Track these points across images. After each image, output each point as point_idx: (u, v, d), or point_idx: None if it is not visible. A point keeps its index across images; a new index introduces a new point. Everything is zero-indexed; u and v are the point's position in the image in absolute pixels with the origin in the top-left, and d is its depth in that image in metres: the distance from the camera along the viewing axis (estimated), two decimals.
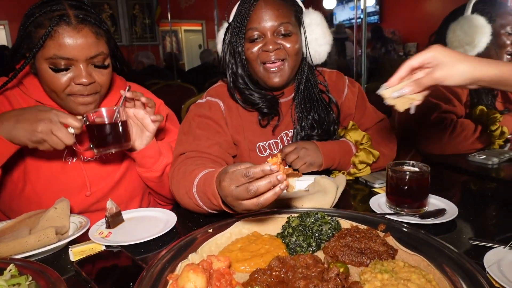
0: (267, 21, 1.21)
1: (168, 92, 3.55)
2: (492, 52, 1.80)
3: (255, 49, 1.23)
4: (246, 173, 0.78)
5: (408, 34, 7.75)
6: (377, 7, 8.77)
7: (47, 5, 1.05)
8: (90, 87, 1.09)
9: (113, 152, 1.10)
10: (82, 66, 1.06)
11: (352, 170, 1.32)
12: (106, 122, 1.06)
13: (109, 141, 1.05)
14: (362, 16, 2.62)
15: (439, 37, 1.92)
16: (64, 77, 1.06)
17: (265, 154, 1.33)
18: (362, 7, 2.70)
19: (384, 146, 1.39)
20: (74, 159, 1.21)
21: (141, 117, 1.18)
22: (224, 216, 0.95)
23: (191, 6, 8.40)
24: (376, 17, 8.82)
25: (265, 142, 1.34)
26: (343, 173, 1.32)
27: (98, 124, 1.05)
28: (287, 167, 0.85)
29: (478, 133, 1.67)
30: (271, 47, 1.20)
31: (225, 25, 1.32)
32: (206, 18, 10.57)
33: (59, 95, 1.09)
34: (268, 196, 0.79)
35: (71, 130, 1.00)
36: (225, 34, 1.30)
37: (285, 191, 0.80)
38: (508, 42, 1.80)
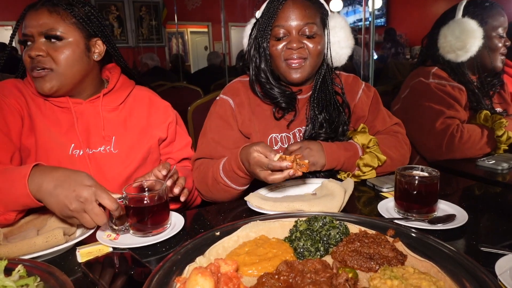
0: (294, 20, 1.26)
1: (174, 94, 3.56)
2: (484, 55, 1.80)
3: (280, 46, 1.29)
4: (268, 165, 1.03)
5: (414, 37, 7.73)
6: (384, 10, 8.75)
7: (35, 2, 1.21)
8: (39, 60, 1.15)
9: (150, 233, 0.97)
10: (36, 40, 1.16)
11: (357, 172, 1.32)
12: (147, 205, 0.96)
13: (148, 225, 0.96)
14: (370, 19, 2.62)
15: (431, 41, 1.92)
16: (26, 53, 1.17)
17: (276, 147, 1.37)
18: (370, 9, 2.70)
19: (394, 151, 1.38)
20: (81, 152, 1.24)
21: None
22: (232, 218, 0.95)
23: (197, 8, 8.46)
24: (382, 19, 8.81)
25: (277, 134, 1.37)
26: (349, 175, 1.32)
27: (138, 207, 0.96)
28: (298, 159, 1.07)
29: (486, 138, 1.66)
30: (295, 45, 1.26)
31: (253, 21, 1.38)
32: (212, 20, 10.62)
33: (28, 71, 1.20)
34: (279, 180, 1.05)
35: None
36: (252, 30, 1.36)
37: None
38: (500, 44, 1.80)
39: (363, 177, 1.32)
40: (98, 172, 1.25)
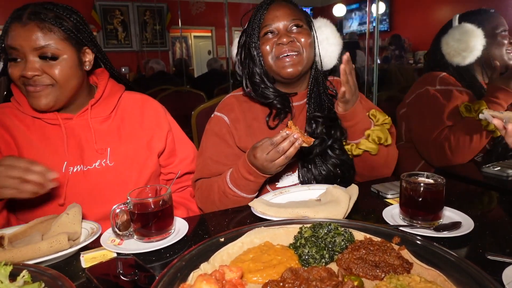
0: (280, 19, 1.30)
1: (178, 98, 3.58)
2: (493, 54, 1.83)
3: (270, 44, 1.31)
4: (271, 142, 1.09)
5: (418, 42, 7.73)
6: (387, 15, 8.76)
7: (14, 10, 1.15)
8: (36, 79, 1.12)
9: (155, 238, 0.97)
10: (29, 59, 1.11)
11: (363, 141, 1.29)
12: (151, 210, 0.95)
13: (152, 230, 0.96)
14: (374, 24, 2.62)
15: (433, 55, 1.97)
16: (17, 69, 1.13)
17: None
18: (374, 15, 2.70)
19: (390, 149, 1.37)
20: (75, 169, 1.21)
21: None
22: (236, 224, 0.95)
23: (201, 13, 8.50)
24: (386, 25, 8.81)
25: None
26: (352, 147, 1.31)
27: (142, 212, 0.95)
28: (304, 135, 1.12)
29: (474, 132, 1.68)
30: (285, 39, 1.27)
31: (242, 32, 1.40)
32: (215, 24, 10.69)
33: (17, 85, 1.17)
34: (291, 151, 1.09)
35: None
36: (240, 37, 1.39)
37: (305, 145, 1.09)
38: (506, 41, 1.83)
39: (362, 147, 1.29)
40: (95, 189, 1.22)
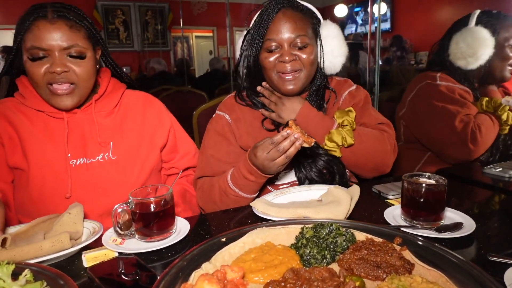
0: (285, 33, 1.27)
1: (179, 98, 3.58)
2: (495, 65, 1.82)
3: (272, 58, 1.29)
4: (272, 141, 1.09)
5: (419, 43, 7.71)
6: (388, 15, 8.75)
7: (34, 8, 1.15)
8: (64, 76, 1.14)
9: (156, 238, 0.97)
10: (56, 55, 1.13)
11: (321, 145, 1.32)
12: (152, 210, 0.95)
13: (153, 230, 0.96)
14: (376, 24, 2.62)
15: (442, 48, 1.94)
16: (41, 66, 1.13)
17: None
18: (376, 15, 2.71)
19: (373, 142, 1.33)
20: (78, 162, 1.23)
21: None
22: (237, 224, 0.95)
23: (203, 13, 8.50)
24: (387, 25, 8.80)
25: None
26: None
27: (144, 212, 0.95)
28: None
29: (496, 124, 1.72)
30: (287, 58, 1.26)
31: (245, 32, 1.38)
32: (217, 24, 10.69)
33: (39, 84, 1.15)
34: (292, 150, 1.09)
35: None
36: (243, 41, 1.38)
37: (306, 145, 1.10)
38: (511, 55, 1.82)
39: (330, 152, 1.30)
40: (98, 182, 1.24)
